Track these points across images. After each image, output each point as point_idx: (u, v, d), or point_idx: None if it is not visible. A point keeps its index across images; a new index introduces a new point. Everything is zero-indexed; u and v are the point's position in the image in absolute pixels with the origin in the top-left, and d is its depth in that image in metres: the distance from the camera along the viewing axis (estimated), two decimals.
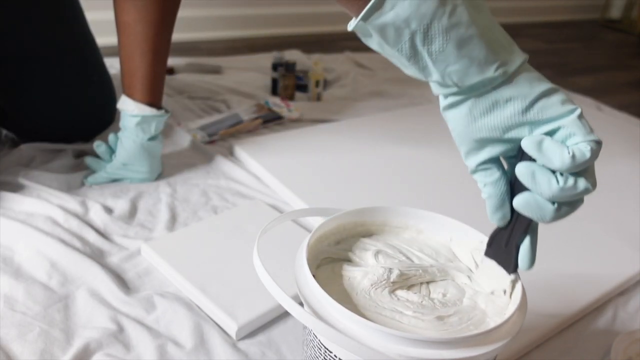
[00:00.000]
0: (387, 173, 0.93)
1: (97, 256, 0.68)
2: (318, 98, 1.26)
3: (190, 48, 1.57)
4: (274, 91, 1.27)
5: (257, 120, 1.08)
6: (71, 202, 0.76)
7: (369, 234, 0.52)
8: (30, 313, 0.58)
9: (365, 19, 0.36)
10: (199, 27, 1.68)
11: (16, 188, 0.78)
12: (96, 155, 0.85)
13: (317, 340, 0.43)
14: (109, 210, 0.77)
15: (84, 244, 0.69)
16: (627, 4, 2.80)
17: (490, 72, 0.36)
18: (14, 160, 0.85)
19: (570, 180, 0.38)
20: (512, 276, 0.44)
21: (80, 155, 0.90)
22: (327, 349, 0.42)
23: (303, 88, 1.26)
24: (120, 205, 0.78)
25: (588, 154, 0.36)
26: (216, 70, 1.36)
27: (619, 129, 1.28)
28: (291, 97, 1.25)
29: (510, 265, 0.43)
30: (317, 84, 1.24)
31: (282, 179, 0.87)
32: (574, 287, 0.71)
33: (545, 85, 0.37)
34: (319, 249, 0.48)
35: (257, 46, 1.62)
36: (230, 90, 1.25)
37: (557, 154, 0.36)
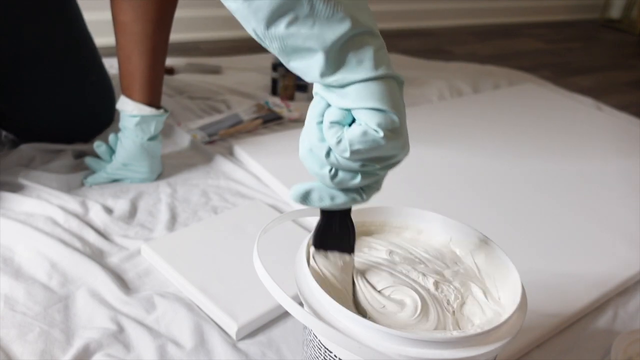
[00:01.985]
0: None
1: (97, 256, 0.68)
2: None
3: (190, 48, 1.57)
4: (274, 91, 1.27)
5: (257, 120, 1.08)
6: (71, 203, 0.76)
7: (369, 234, 0.52)
8: (30, 313, 0.58)
9: None
10: (199, 27, 1.68)
11: (16, 188, 0.78)
12: (96, 156, 0.85)
13: (317, 340, 0.43)
14: (109, 211, 0.77)
15: (84, 244, 0.69)
16: (627, 4, 2.80)
17: (326, 81, 0.37)
18: (14, 161, 0.85)
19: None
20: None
21: (80, 155, 0.90)
22: (327, 349, 0.42)
23: (303, 88, 1.26)
24: (120, 206, 0.78)
25: (341, 147, 0.37)
26: (216, 70, 1.36)
27: (619, 129, 1.28)
28: (291, 97, 1.25)
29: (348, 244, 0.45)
30: None
31: (282, 179, 0.87)
32: (574, 287, 0.71)
33: (373, 102, 0.37)
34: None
35: (257, 46, 1.61)
36: (230, 90, 1.25)
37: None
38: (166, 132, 1.00)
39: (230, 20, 1.82)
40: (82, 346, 0.55)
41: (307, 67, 0.37)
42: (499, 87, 1.53)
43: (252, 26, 0.36)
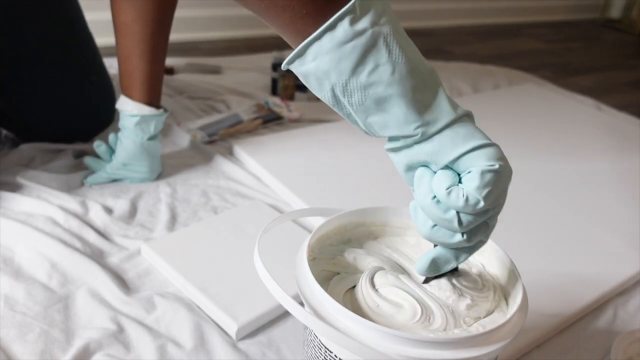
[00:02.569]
0: (387, 173, 0.93)
1: (97, 256, 0.68)
2: (318, 98, 1.26)
3: (190, 48, 1.57)
4: (274, 91, 1.27)
5: (257, 120, 1.08)
6: (71, 202, 0.76)
7: (369, 235, 0.52)
8: (30, 313, 0.58)
9: (289, 63, 0.38)
10: (199, 27, 1.68)
11: (16, 188, 0.78)
12: (96, 155, 0.85)
13: (318, 340, 0.43)
14: (109, 211, 0.77)
15: (84, 244, 0.69)
16: (627, 4, 2.80)
17: (409, 130, 0.37)
18: (14, 160, 0.85)
19: (451, 213, 0.38)
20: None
21: (80, 155, 0.89)
22: (328, 349, 0.42)
23: (303, 88, 1.26)
24: (120, 206, 0.78)
25: (472, 201, 0.36)
26: (216, 70, 1.36)
27: (619, 129, 1.28)
28: (291, 97, 1.25)
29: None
30: None
31: (282, 179, 0.87)
32: (574, 287, 0.71)
33: (472, 143, 0.37)
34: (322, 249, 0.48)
35: (257, 46, 1.61)
36: (230, 90, 1.25)
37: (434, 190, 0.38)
38: (166, 132, 1.00)
39: (230, 20, 1.82)
40: (82, 346, 0.55)
41: (387, 120, 0.37)
42: (499, 87, 1.53)
43: (332, 82, 0.36)
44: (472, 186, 0.36)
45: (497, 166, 0.36)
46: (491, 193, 0.36)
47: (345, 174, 0.92)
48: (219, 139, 1.02)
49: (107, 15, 0.78)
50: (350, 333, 0.38)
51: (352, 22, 0.35)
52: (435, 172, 0.38)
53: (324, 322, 0.38)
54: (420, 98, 0.36)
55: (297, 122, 1.14)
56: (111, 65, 1.00)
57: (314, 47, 0.36)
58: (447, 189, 0.37)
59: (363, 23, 0.35)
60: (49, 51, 0.86)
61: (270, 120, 1.10)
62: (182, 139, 0.99)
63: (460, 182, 0.37)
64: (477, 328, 0.42)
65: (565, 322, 0.66)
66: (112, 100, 0.95)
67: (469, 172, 0.36)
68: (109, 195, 0.80)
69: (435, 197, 0.38)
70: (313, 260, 0.47)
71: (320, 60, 0.36)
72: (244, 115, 1.09)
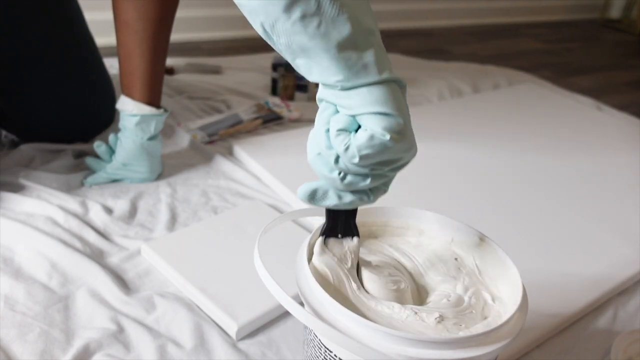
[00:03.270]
0: None
1: (97, 256, 0.68)
2: None
3: (190, 48, 1.57)
4: (274, 91, 1.27)
5: (257, 120, 1.08)
6: (71, 203, 0.76)
7: (370, 234, 0.52)
8: (30, 313, 0.58)
9: None
10: (199, 27, 1.68)
11: (16, 188, 0.78)
12: (96, 156, 0.85)
13: (318, 340, 0.43)
14: (108, 211, 0.77)
15: (84, 244, 0.69)
16: (626, 4, 2.80)
17: (330, 81, 0.38)
18: (14, 161, 0.85)
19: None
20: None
21: (80, 155, 0.90)
22: (328, 349, 0.42)
23: (303, 88, 1.26)
24: (120, 206, 0.78)
25: (349, 153, 0.38)
26: (216, 71, 1.36)
27: (619, 129, 1.28)
28: (291, 97, 1.25)
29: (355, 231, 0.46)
30: (316, 84, 1.24)
31: (282, 179, 0.87)
32: (574, 287, 0.71)
33: (379, 107, 0.37)
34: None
35: (257, 46, 1.61)
36: (230, 91, 1.25)
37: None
38: (166, 132, 1.00)
39: (230, 20, 1.82)
40: (82, 346, 0.55)
41: (311, 66, 0.38)
42: (498, 87, 1.53)
43: (261, 20, 0.36)
44: (357, 141, 0.37)
45: (387, 137, 0.37)
46: (369, 157, 0.37)
47: None
48: (219, 139, 1.02)
49: (107, 15, 0.78)
50: (350, 333, 0.38)
51: None
52: (338, 112, 0.39)
53: (324, 322, 0.38)
54: (345, 55, 0.37)
55: (297, 122, 1.14)
56: (111, 65, 1.00)
57: None
58: (338, 130, 0.38)
59: None
60: (49, 51, 0.86)
61: (270, 120, 1.10)
62: (182, 139, 0.99)
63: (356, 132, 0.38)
64: (476, 329, 0.42)
65: (565, 322, 0.66)
66: (112, 100, 0.95)
67: (364, 130, 0.37)
68: (109, 195, 0.80)
69: (328, 130, 0.39)
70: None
71: None
72: (244, 115, 1.09)
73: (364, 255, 0.48)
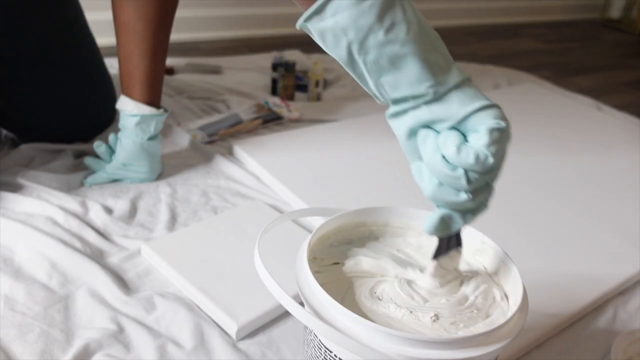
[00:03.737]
0: (387, 173, 0.93)
1: (97, 256, 0.68)
2: (318, 98, 1.26)
3: (190, 48, 1.57)
4: (274, 91, 1.27)
5: (257, 120, 1.08)
6: (71, 203, 0.76)
7: (370, 235, 0.52)
8: (30, 313, 0.58)
9: (306, 20, 0.38)
10: (199, 27, 1.68)
11: (16, 188, 0.78)
12: (96, 156, 0.85)
13: (317, 340, 0.43)
14: (108, 211, 0.77)
15: (84, 244, 0.69)
16: (626, 4, 2.80)
17: (421, 89, 0.37)
18: (14, 160, 0.85)
19: (459, 171, 0.38)
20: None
21: (80, 155, 0.89)
22: (327, 349, 0.42)
23: (303, 88, 1.26)
24: (120, 206, 0.78)
25: (482, 158, 0.37)
26: (216, 70, 1.36)
27: (619, 129, 1.28)
28: (291, 97, 1.25)
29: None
30: (317, 84, 1.25)
31: (282, 179, 0.87)
32: (574, 287, 0.71)
33: (478, 103, 0.38)
34: (321, 249, 0.48)
35: (257, 46, 1.61)
36: (230, 90, 1.25)
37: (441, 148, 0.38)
38: (166, 132, 1.00)
39: (230, 20, 1.82)
40: (82, 346, 0.55)
41: (399, 79, 0.37)
42: (498, 87, 1.53)
43: (349, 39, 0.36)
44: (481, 143, 0.37)
45: (503, 124, 0.37)
46: (499, 150, 0.37)
47: (345, 174, 0.92)
48: (219, 139, 1.02)
49: (107, 15, 0.78)
50: (350, 333, 0.38)
51: None
52: (438, 133, 0.39)
53: (324, 322, 0.38)
54: (432, 58, 0.37)
55: (297, 122, 1.14)
56: (111, 65, 1.00)
57: (334, 3, 0.36)
58: (457, 146, 0.37)
59: None
60: (49, 51, 0.86)
61: (270, 120, 1.10)
62: (182, 139, 0.99)
63: (466, 141, 0.38)
64: (476, 330, 0.42)
65: (565, 322, 0.66)
66: (113, 100, 0.95)
67: (477, 131, 0.37)
68: (109, 195, 0.80)
69: (442, 155, 0.38)
70: (313, 260, 0.47)
71: (339, 17, 0.36)
72: (244, 115, 1.09)
73: (367, 256, 0.48)
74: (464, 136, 0.38)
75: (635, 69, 2.03)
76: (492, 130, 0.37)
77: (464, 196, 0.39)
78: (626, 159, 1.11)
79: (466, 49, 1.96)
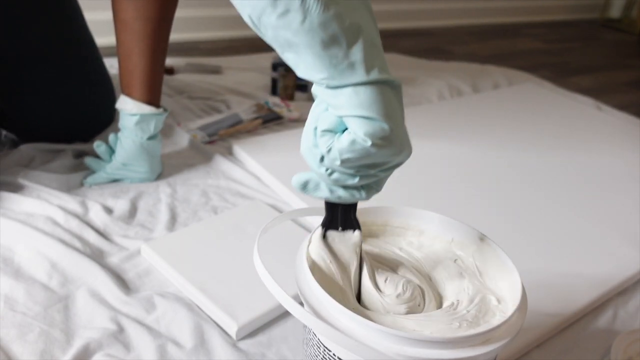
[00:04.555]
0: None
1: (97, 256, 0.68)
2: None
3: (190, 48, 1.57)
4: (274, 91, 1.27)
5: (256, 120, 1.08)
6: (71, 203, 0.76)
7: (369, 234, 0.52)
8: (30, 313, 0.58)
9: None
10: (199, 27, 1.68)
11: (16, 188, 0.78)
12: (96, 155, 0.85)
13: (317, 340, 0.43)
14: (108, 211, 0.77)
15: (84, 244, 0.69)
16: (626, 4, 2.80)
17: (315, 78, 0.37)
18: (14, 161, 0.85)
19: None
20: None
21: (80, 155, 0.90)
22: (327, 348, 0.42)
23: (303, 88, 1.26)
24: (120, 206, 0.78)
25: (331, 155, 0.38)
26: (216, 70, 1.36)
27: (619, 129, 1.28)
28: (291, 97, 1.25)
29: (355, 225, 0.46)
30: None
31: (282, 179, 0.87)
32: (574, 287, 0.71)
33: (363, 110, 0.36)
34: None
35: (257, 46, 1.61)
36: (230, 90, 1.25)
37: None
38: (166, 132, 1.00)
39: (230, 20, 1.82)
40: (82, 346, 0.55)
41: (298, 62, 0.37)
42: (498, 87, 1.53)
43: (248, 12, 0.36)
44: (339, 144, 0.37)
45: (369, 143, 0.36)
46: (352, 160, 0.37)
47: None
48: (219, 139, 1.02)
49: (107, 15, 0.78)
50: (349, 332, 0.38)
51: None
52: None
53: (323, 321, 0.38)
54: (330, 53, 0.36)
55: (297, 122, 1.14)
56: (111, 65, 1.00)
57: None
58: (323, 130, 0.38)
59: None
60: (48, 51, 0.86)
61: (270, 120, 1.10)
62: (182, 139, 0.99)
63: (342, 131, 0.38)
64: (475, 329, 0.42)
65: (565, 322, 0.66)
66: (112, 100, 0.95)
67: (348, 132, 0.37)
68: (109, 195, 0.80)
69: (316, 128, 0.39)
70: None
71: None
72: (243, 115, 1.09)
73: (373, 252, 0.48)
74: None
75: (635, 69, 2.03)
76: (354, 141, 0.36)
77: (322, 170, 0.39)
78: (626, 159, 1.11)
79: (466, 49, 1.96)
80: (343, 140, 0.37)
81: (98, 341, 0.56)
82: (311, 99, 1.25)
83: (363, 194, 0.42)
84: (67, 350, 0.54)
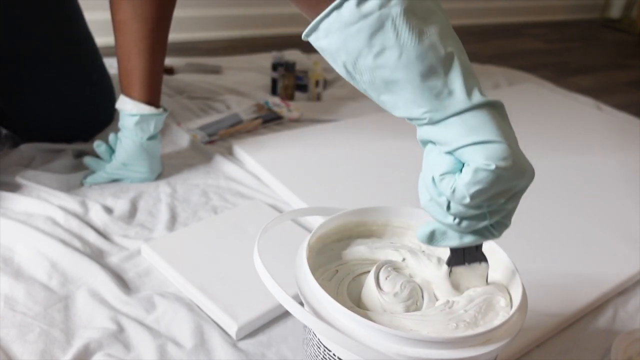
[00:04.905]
0: (387, 173, 0.93)
1: (97, 256, 0.68)
2: (318, 98, 1.26)
3: (190, 48, 1.57)
4: (274, 91, 1.27)
5: (256, 120, 1.08)
6: (71, 202, 0.76)
7: (370, 234, 0.52)
8: (30, 313, 0.58)
9: (306, 36, 0.38)
10: (199, 27, 1.68)
11: (16, 188, 0.78)
12: (96, 155, 0.85)
13: (317, 339, 0.43)
14: (109, 210, 0.77)
15: (84, 244, 0.69)
16: (627, 4, 2.80)
17: (417, 114, 0.36)
18: (14, 160, 0.85)
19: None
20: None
21: (80, 155, 0.89)
22: (327, 348, 0.42)
23: (303, 88, 1.26)
24: (120, 206, 0.78)
25: (458, 195, 0.36)
26: (216, 70, 1.36)
27: (619, 129, 1.28)
28: (291, 97, 1.25)
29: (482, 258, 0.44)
30: (317, 84, 1.25)
31: (282, 179, 0.87)
32: (574, 287, 0.71)
33: (476, 136, 0.35)
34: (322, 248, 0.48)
35: (257, 46, 1.62)
36: (230, 90, 1.25)
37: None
38: (166, 132, 1.00)
39: (230, 20, 1.82)
40: (82, 346, 0.55)
41: (397, 101, 0.36)
42: (499, 87, 1.53)
43: (342, 60, 0.36)
44: (462, 181, 0.35)
45: (492, 166, 0.34)
46: (481, 192, 0.35)
47: (345, 174, 0.92)
48: (219, 139, 1.02)
49: (107, 15, 0.78)
50: (349, 333, 0.38)
51: (359, 3, 0.34)
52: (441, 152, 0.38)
53: (323, 321, 0.38)
54: (430, 84, 0.35)
55: (297, 122, 1.14)
56: (111, 65, 1.00)
57: (325, 24, 0.36)
58: (441, 174, 0.37)
59: (370, 4, 0.34)
60: (49, 51, 0.86)
61: (270, 120, 1.10)
62: (182, 139, 0.99)
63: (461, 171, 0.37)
64: (475, 329, 0.42)
65: (565, 322, 0.66)
66: (112, 100, 0.95)
67: (467, 165, 0.36)
68: (109, 195, 0.80)
69: (433, 177, 0.38)
70: (317, 254, 0.47)
71: (330, 38, 0.36)
72: (243, 115, 1.09)
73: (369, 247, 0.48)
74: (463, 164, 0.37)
75: (635, 69, 2.03)
76: (477, 170, 0.35)
77: (450, 219, 0.38)
78: (626, 159, 1.11)
79: (466, 49, 1.94)
80: (465, 174, 0.35)
81: (98, 341, 0.56)
82: (311, 99, 1.25)
83: (495, 232, 0.40)
84: (67, 350, 0.54)
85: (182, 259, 0.67)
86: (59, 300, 0.60)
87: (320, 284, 0.41)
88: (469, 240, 0.40)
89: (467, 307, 0.42)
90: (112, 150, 0.84)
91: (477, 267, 0.44)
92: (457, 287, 0.44)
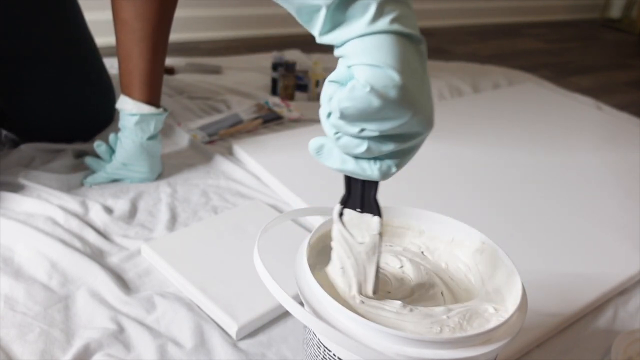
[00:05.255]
0: None
1: (97, 256, 0.68)
2: (318, 98, 1.26)
3: (190, 48, 1.57)
4: (274, 91, 1.27)
5: (257, 120, 1.08)
6: (71, 202, 0.76)
7: None
8: (30, 313, 0.58)
9: None
10: (199, 27, 1.68)
11: (16, 188, 0.78)
12: (96, 155, 0.85)
13: (317, 339, 0.43)
14: (109, 211, 0.77)
15: (84, 244, 0.69)
16: (627, 4, 2.80)
17: (326, 39, 0.36)
18: (14, 161, 0.85)
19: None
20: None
21: (80, 155, 0.90)
22: (327, 348, 0.42)
23: (303, 88, 1.26)
24: (120, 206, 0.78)
25: (334, 105, 0.35)
26: (216, 70, 1.36)
27: (619, 129, 1.28)
28: (291, 97, 1.25)
29: (374, 209, 0.43)
30: (317, 83, 1.25)
31: (282, 179, 0.87)
32: (574, 287, 0.71)
33: (366, 58, 0.33)
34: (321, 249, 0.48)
35: (257, 46, 1.62)
36: (230, 90, 1.25)
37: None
38: (166, 132, 1.00)
39: (231, 20, 1.82)
40: (82, 346, 0.55)
41: (312, 22, 0.35)
42: (498, 86, 1.53)
43: None
44: (340, 93, 0.34)
45: (368, 88, 0.32)
46: (349, 110, 0.34)
47: None
48: (219, 139, 1.02)
49: (107, 15, 0.78)
50: (349, 333, 0.38)
51: None
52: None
53: (323, 321, 0.38)
54: (344, 10, 0.34)
55: (297, 122, 1.14)
56: (111, 65, 1.00)
57: None
58: (330, 80, 0.36)
59: None
60: (48, 51, 0.86)
61: (270, 120, 1.10)
62: (182, 139, 0.99)
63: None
64: (475, 329, 0.42)
65: (565, 322, 0.66)
66: (112, 99, 0.95)
67: (350, 81, 0.34)
68: (109, 195, 0.80)
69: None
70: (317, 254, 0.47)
71: None
72: (244, 115, 1.09)
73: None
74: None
75: (635, 69, 2.03)
76: (354, 87, 0.33)
77: (329, 129, 0.37)
78: (626, 159, 1.11)
79: (466, 49, 1.96)
80: (344, 89, 0.34)
81: (98, 341, 0.56)
82: (311, 99, 1.25)
83: (375, 170, 0.38)
84: (67, 350, 0.54)
85: (182, 259, 0.67)
86: (59, 300, 0.60)
87: (320, 284, 0.41)
88: (349, 167, 0.38)
89: (448, 314, 0.41)
90: (112, 150, 0.84)
91: (369, 220, 0.43)
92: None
